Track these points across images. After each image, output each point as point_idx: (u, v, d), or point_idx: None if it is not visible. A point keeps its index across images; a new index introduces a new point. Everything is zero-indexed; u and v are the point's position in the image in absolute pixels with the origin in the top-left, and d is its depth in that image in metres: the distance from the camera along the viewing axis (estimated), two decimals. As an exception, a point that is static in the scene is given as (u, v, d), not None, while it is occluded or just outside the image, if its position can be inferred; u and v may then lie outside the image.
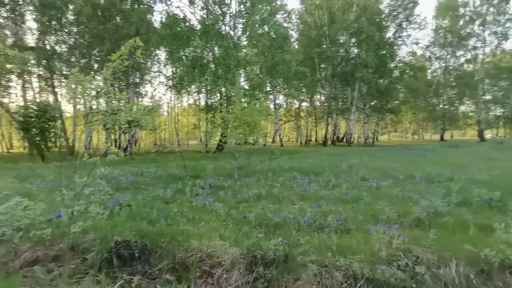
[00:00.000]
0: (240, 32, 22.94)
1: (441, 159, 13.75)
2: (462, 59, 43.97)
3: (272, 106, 36.61)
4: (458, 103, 47.01)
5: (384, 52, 33.94)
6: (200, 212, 5.21)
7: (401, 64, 37.81)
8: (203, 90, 23.04)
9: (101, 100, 22.50)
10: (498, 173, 8.29)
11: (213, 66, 20.32)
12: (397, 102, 39.98)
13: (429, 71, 47.91)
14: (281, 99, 44.68)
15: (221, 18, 21.42)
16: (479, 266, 2.64)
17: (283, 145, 33.66)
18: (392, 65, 36.33)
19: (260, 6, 21.80)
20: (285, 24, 35.31)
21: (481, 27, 39.84)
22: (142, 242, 3.63)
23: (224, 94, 17.27)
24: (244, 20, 22.58)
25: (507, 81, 41.59)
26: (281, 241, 3.30)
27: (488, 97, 43.87)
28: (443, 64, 45.10)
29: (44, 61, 23.24)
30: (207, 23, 20.32)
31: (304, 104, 45.34)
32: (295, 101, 45.61)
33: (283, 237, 3.78)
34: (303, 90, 39.49)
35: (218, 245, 3.51)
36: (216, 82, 19.47)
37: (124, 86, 21.86)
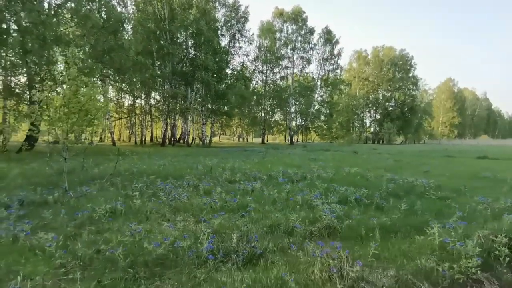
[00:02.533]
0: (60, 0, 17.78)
1: (278, 159, 15.25)
2: (278, 76, 52.54)
3: (101, 99, 31.23)
4: (271, 113, 55.99)
5: (221, 57, 35.67)
6: (9, 254, 2.99)
7: (235, 72, 41.04)
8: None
9: None
10: (332, 171, 9.64)
11: (19, 35, 14.48)
12: (230, 106, 43.05)
13: (253, 82, 54.67)
14: (111, 93, 39.12)
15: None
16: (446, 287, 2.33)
17: (115, 145, 29.30)
18: (229, 71, 38.84)
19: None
20: (119, 9, 31.11)
21: (292, 51, 49.14)
22: None
23: (40, 76, 12.54)
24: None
25: (307, 98, 53.24)
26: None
27: (293, 109, 54.58)
28: (264, 78, 52.35)
29: None
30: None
31: (139, 101, 41.44)
32: (129, 97, 41.00)
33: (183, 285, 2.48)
34: (138, 85, 35.98)
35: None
36: (23, 58, 14.06)
37: None
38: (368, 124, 73.61)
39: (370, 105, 70.55)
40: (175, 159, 14.31)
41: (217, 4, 38.17)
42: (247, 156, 17.04)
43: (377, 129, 70.07)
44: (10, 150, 15.13)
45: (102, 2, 21.52)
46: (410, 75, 68.28)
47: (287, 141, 60.60)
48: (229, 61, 39.41)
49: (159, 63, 33.82)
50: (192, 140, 39.93)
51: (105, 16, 22.32)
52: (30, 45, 14.11)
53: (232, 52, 40.98)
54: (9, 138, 17.17)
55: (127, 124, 46.48)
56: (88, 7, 19.62)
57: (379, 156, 18.96)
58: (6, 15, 15.56)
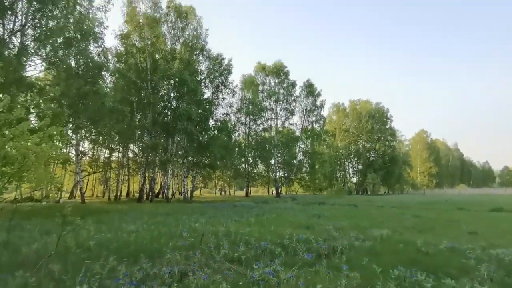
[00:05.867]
0: (31, 40, 16.16)
1: (277, 217, 12.93)
2: (261, 127, 51.85)
3: (73, 152, 28.56)
4: (254, 165, 54.16)
5: (204, 108, 34.67)
6: None
7: (218, 123, 39.85)
8: None
9: None
10: (359, 236, 7.47)
11: None
12: (213, 158, 40.91)
13: (235, 133, 53.43)
14: (86, 146, 36.52)
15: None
16: None
17: (85, 202, 25.84)
18: (212, 122, 37.68)
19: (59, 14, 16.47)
20: (97, 58, 29.98)
21: (275, 103, 49.32)
22: None
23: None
24: (36, 25, 16.21)
25: (290, 149, 52.44)
26: None
27: (278, 160, 53.05)
28: (247, 130, 51.42)
29: None
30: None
31: (116, 154, 38.69)
32: (105, 150, 38.32)
33: None
34: (116, 138, 33.64)
35: None
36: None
37: None
38: (351, 175, 73.09)
39: (352, 156, 70.76)
40: (152, 220, 11.66)
41: (200, 58, 38.25)
42: (238, 213, 14.57)
43: (360, 179, 69.41)
44: None
45: (82, 47, 20.24)
46: (387, 126, 70.30)
47: (271, 194, 58.07)
48: (213, 111, 38.39)
49: (139, 116, 32.13)
50: (172, 195, 36.73)
51: (82, 64, 21.02)
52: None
53: (216, 103, 40.26)
54: None
55: (102, 178, 42.78)
56: (62, 51, 18.15)
57: (384, 209, 17.02)
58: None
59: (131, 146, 37.12)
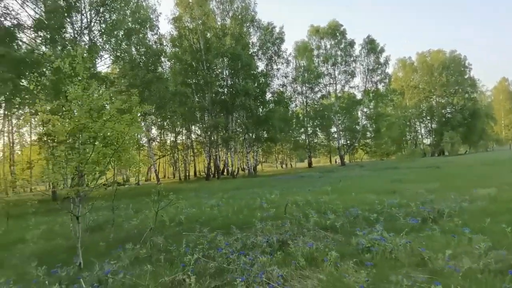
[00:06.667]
0: (98, 35, 17.40)
1: (352, 184, 12.33)
2: (319, 94, 49.42)
3: (144, 139, 31.04)
4: (314, 135, 52.42)
5: (260, 81, 34.30)
6: None
7: (274, 96, 39.27)
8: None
9: None
10: (461, 197, 6.56)
11: (51, 74, 13.84)
12: (273, 131, 40.70)
13: (292, 104, 51.87)
14: (154, 132, 39.36)
15: (67, 10, 15.40)
16: None
17: (160, 183, 28.22)
18: (268, 95, 37.25)
19: (119, 6, 17.22)
20: (154, 46, 31.24)
21: (332, 67, 46.40)
22: None
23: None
24: (100, 19, 17.28)
25: (351, 115, 49.45)
26: None
27: (339, 127, 50.50)
28: (304, 99, 49.51)
29: None
30: (44, 15, 14.20)
31: (180, 137, 41.18)
32: (171, 134, 41.02)
33: None
34: (179, 121, 35.50)
35: None
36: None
37: None
38: (423, 136, 66.70)
39: (424, 115, 64.11)
40: (226, 195, 12.01)
41: (251, 29, 37.44)
42: (309, 183, 14.28)
43: (435, 140, 62.94)
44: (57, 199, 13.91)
45: (141, 36, 21.15)
46: (466, 76, 61.55)
47: (334, 163, 56.42)
48: (269, 84, 37.78)
49: (197, 98, 33.12)
50: (236, 171, 38.05)
51: (142, 53, 21.97)
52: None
53: (271, 75, 39.44)
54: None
55: (171, 160, 46.19)
56: (124, 43, 19.19)
57: (474, 168, 15.07)
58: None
59: (193, 127, 38.94)
